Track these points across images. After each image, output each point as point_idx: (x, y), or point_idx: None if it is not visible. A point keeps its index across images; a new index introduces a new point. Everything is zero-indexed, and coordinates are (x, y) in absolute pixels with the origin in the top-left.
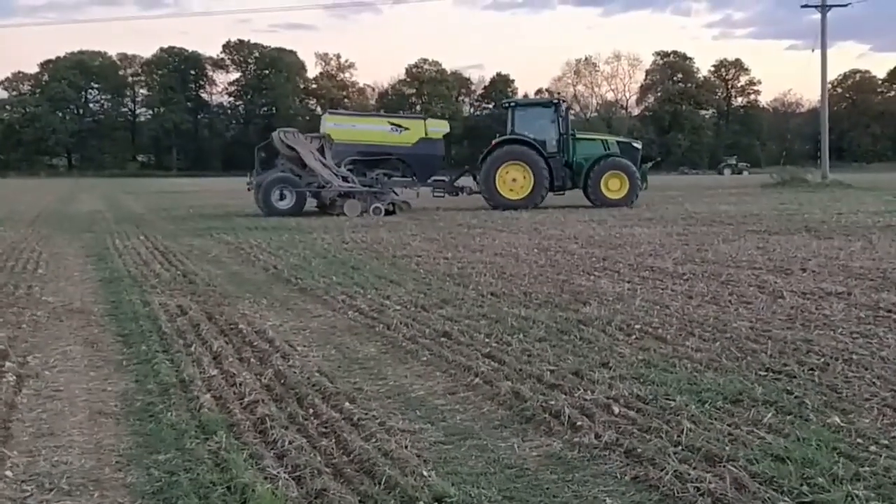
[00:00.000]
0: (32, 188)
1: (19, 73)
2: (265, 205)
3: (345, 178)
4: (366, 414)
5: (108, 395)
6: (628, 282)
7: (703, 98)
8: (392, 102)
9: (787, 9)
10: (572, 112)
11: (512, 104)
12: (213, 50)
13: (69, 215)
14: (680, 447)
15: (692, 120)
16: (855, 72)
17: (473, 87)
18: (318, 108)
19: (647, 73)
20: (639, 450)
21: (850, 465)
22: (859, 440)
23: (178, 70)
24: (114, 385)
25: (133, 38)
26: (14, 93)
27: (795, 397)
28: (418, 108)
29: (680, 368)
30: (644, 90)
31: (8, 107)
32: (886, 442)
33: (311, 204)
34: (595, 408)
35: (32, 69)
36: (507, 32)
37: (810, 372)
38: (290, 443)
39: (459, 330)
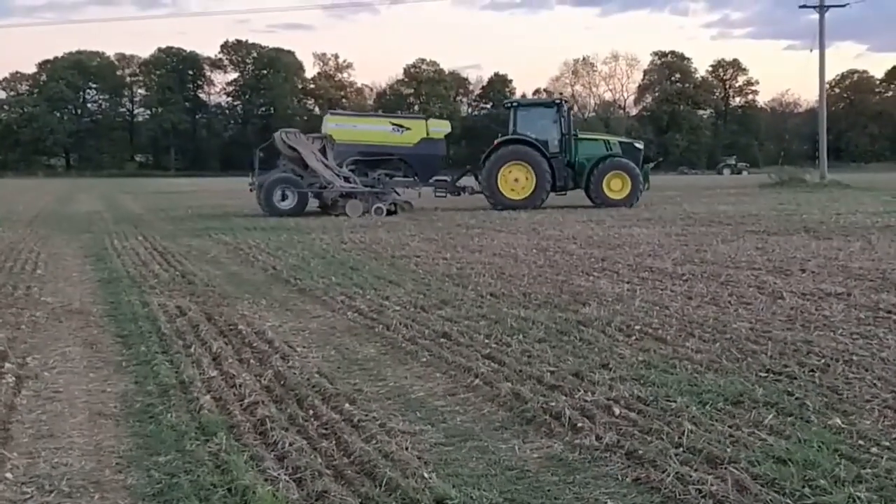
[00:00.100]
0: (30, 188)
1: (17, 73)
2: (267, 205)
3: (346, 179)
4: (366, 415)
5: (107, 396)
6: (627, 282)
7: (700, 98)
8: (390, 102)
9: (785, 9)
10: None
11: (514, 104)
12: (211, 50)
13: (67, 215)
14: (681, 449)
15: (690, 120)
16: (853, 72)
17: (471, 87)
18: (317, 109)
19: (645, 73)
20: (640, 451)
21: (851, 466)
22: (861, 442)
23: (177, 70)
24: (113, 386)
25: (131, 38)
26: (12, 93)
27: (796, 399)
28: (416, 108)
29: (680, 369)
30: (642, 90)
31: (6, 107)
32: (888, 443)
33: (312, 204)
34: (596, 409)
35: (30, 69)
36: (505, 32)
37: (811, 373)
38: (290, 444)
39: (459, 331)
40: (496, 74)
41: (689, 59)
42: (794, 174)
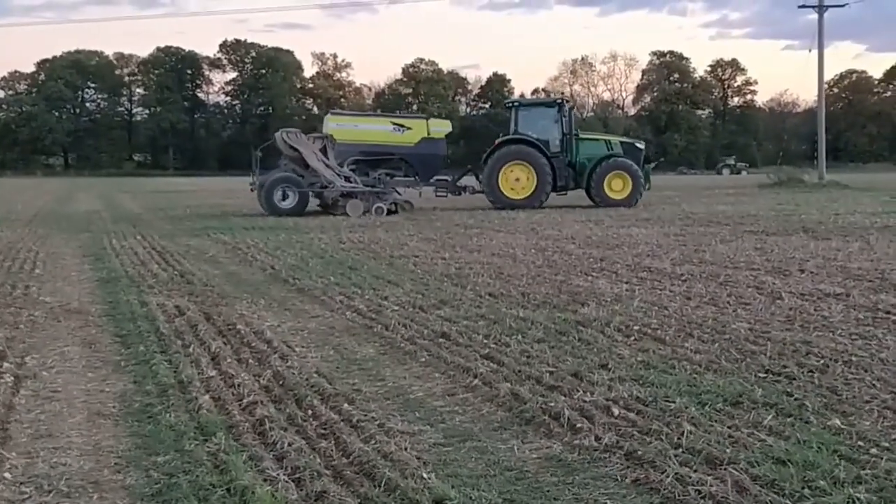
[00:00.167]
0: (29, 187)
1: (16, 72)
2: (267, 204)
3: (347, 178)
4: (365, 415)
5: (106, 396)
6: (626, 282)
7: (699, 98)
8: (389, 102)
9: (784, 9)
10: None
11: (515, 104)
12: (209, 49)
13: (66, 215)
14: (680, 449)
15: (688, 120)
16: (851, 72)
17: (470, 87)
18: (315, 108)
19: (644, 72)
20: (639, 452)
21: (851, 467)
22: (860, 443)
23: (175, 69)
24: (112, 386)
25: (129, 37)
26: (10, 92)
27: (795, 399)
28: (415, 107)
29: (679, 370)
30: (640, 90)
31: (4, 106)
32: (887, 444)
33: (313, 204)
34: (595, 409)
35: (29, 68)
36: (504, 32)
37: (810, 374)
38: (289, 444)
39: (458, 331)
40: (495, 74)
41: (687, 59)
42: (793, 174)
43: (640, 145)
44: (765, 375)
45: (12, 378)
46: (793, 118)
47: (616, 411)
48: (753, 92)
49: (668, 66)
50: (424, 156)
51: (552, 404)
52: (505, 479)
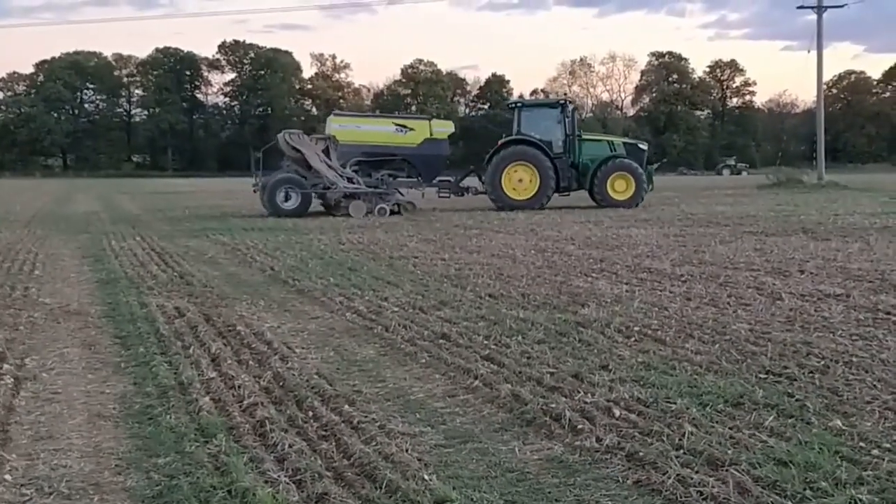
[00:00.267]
0: (28, 188)
1: (14, 73)
2: (270, 205)
3: (350, 179)
4: (365, 417)
5: (106, 397)
6: (626, 283)
7: (698, 99)
8: (387, 103)
9: (783, 9)
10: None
11: (518, 104)
12: (208, 50)
13: (65, 216)
14: (682, 451)
15: (687, 120)
16: (850, 73)
17: (469, 88)
18: (314, 109)
19: (643, 73)
20: (640, 453)
21: (852, 468)
22: (861, 444)
23: (174, 70)
24: (112, 387)
25: (128, 38)
26: (9, 93)
27: (796, 400)
28: (414, 108)
29: (680, 371)
30: (639, 91)
31: (3, 107)
32: (889, 445)
33: (316, 205)
34: (596, 411)
35: (27, 69)
36: (503, 33)
37: (811, 375)
38: (290, 446)
39: (458, 332)
40: (494, 75)
41: (686, 59)
42: (792, 175)
43: (643, 146)
44: (765, 376)
45: (12, 380)
46: (791, 119)
47: (617, 412)
48: (752, 93)
49: (667, 67)
50: (427, 157)
51: (553, 405)
52: (506, 480)
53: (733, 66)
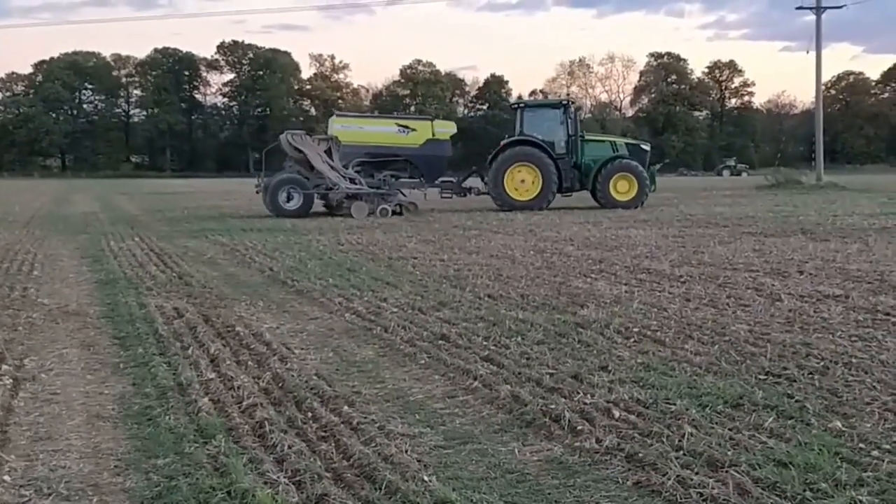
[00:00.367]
0: (26, 189)
1: (13, 73)
2: (272, 205)
3: (352, 180)
4: (365, 418)
5: (105, 398)
6: (625, 284)
7: (696, 99)
8: (386, 103)
9: (781, 10)
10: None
11: (521, 105)
12: (207, 51)
13: (64, 216)
14: (681, 452)
15: (686, 121)
16: (848, 73)
17: (468, 89)
18: (313, 109)
19: (641, 74)
20: (640, 454)
21: (852, 470)
22: (861, 445)
23: (172, 71)
24: (111, 388)
25: (127, 38)
26: (8, 93)
27: (796, 401)
28: (412, 109)
29: (679, 372)
30: (638, 91)
31: (1, 107)
32: (888, 446)
33: (318, 205)
34: (595, 412)
35: (26, 70)
36: (502, 34)
37: (810, 376)
38: (289, 447)
39: (457, 333)
40: (492, 76)
41: (684, 60)
42: (791, 176)
43: (646, 146)
44: (765, 377)
45: (11, 380)
46: (790, 120)
47: (617, 413)
48: (751, 93)
49: (666, 68)
50: (429, 157)
51: (552, 406)
52: (506, 481)
53: (732, 67)
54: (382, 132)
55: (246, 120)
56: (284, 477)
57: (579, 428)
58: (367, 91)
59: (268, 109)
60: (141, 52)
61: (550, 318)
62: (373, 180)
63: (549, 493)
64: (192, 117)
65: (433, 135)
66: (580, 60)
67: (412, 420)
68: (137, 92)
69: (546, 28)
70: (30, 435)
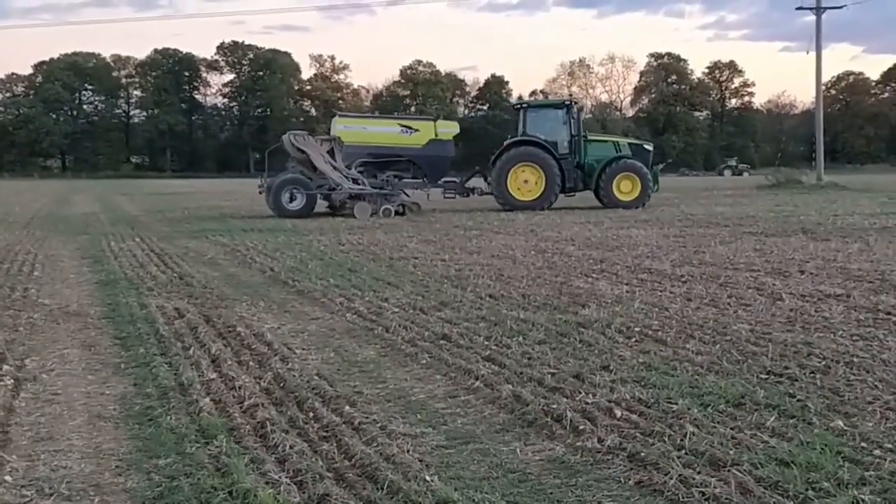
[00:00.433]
0: (26, 190)
1: (13, 74)
2: (275, 206)
3: (355, 181)
4: (366, 418)
5: (106, 398)
6: (626, 284)
7: (697, 100)
8: (386, 104)
9: (781, 10)
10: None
11: (524, 105)
12: (207, 51)
13: (64, 217)
14: (683, 451)
15: (686, 121)
16: (848, 73)
17: (468, 89)
18: (313, 110)
19: (641, 74)
20: (642, 454)
21: (855, 469)
22: (863, 444)
23: (172, 71)
24: (112, 388)
25: (127, 39)
26: (8, 94)
27: (798, 401)
28: (413, 109)
29: (681, 371)
30: (638, 92)
31: (1, 108)
32: (890, 446)
33: (321, 206)
34: (597, 411)
35: (26, 70)
36: (502, 34)
37: (812, 375)
38: (290, 447)
39: (459, 333)
40: (493, 76)
41: (685, 60)
42: (791, 176)
43: (649, 147)
44: (767, 377)
45: (12, 381)
46: (790, 120)
47: (618, 413)
48: (751, 94)
49: (666, 68)
50: (432, 157)
51: (554, 406)
52: (508, 481)
53: (732, 67)
54: (385, 132)
55: (246, 120)
56: (286, 477)
57: (581, 427)
58: (368, 91)
59: (268, 110)
60: (141, 52)
61: (552, 317)
62: (376, 181)
63: (551, 493)
64: (193, 118)
65: (436, 135)
66: (580, 61)
67: (414, 420)
68: (137, 93)
69: (546, 28)
70: (31, 435)
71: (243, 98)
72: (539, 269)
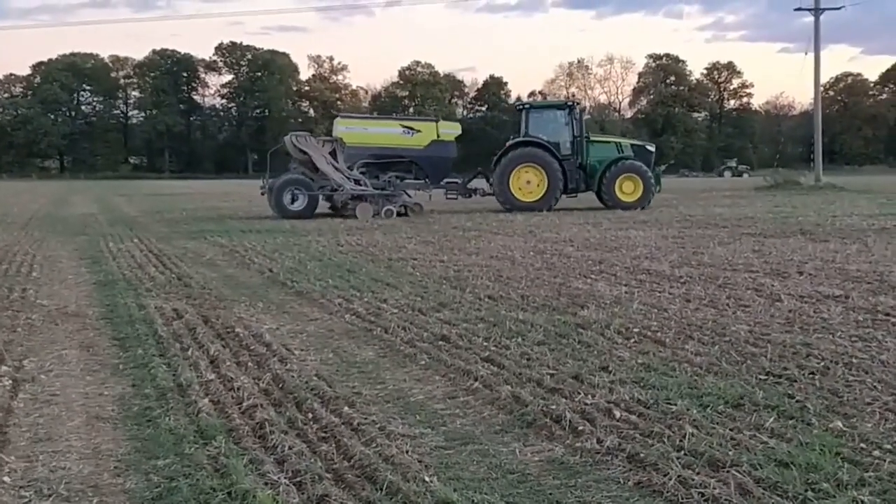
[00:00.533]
0: (24, 191)
1: (11, 75)
2: (277, 207)
3: (357, 181)
4: (365, 418)
5: (105, 399)
6: (625, 285)
7: (695, 101)
8: (385, 105)
9: (780, 12)
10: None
11: (526, 106)
12: (205, 52)
13: (62, 218)
14: (683, 452)
15: (685, 122)
16: (847, 75)
17: (466, 90)
18: (311, 111)
19: (640, 75)
20: (641, 455)
21: (854, 470)
22: (862, 445)
23: (171, 72)
24: (110, 389)
25: (125, 40)
26: (6, 95)
27: (797, 401)
28: (411, 110)
29: (680, 372)
30: (637, 93)
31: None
32: (890, 447)
33: (323, 207)
34: (596, 412)
35: (24, 71)
36: (500, 35)
37: (811, 376)
38: (289, 448)
39: (457, 333)
40: (491, 77)
41: (683, 61)
42: (790, 177)
43: (651, 148)
44: (765, 378)
45: (11, 382)
46: (789, 121)
47: (618, 414)
48: (749, 95)
49: (665, 69)
50: (434, 158)
51: (553, 407)
52: (507, 482)
53: (731, 68)
54: (387, 133)
55: (244, 121)
56: (285, 478)
57: (580, 428)
58: (366, 92)
59: (266, 111)
60: (139, 53)
61: (551, 318)
62: (378, 181)
63: (550, 494)
64: (191, 119)
65: (438, 136)
66: (579, 62)
67: (413, 421)
68: (136, 93)
69: (545, 29)
70: (29, 436)
71: (241, 99)
72: (538, 270)
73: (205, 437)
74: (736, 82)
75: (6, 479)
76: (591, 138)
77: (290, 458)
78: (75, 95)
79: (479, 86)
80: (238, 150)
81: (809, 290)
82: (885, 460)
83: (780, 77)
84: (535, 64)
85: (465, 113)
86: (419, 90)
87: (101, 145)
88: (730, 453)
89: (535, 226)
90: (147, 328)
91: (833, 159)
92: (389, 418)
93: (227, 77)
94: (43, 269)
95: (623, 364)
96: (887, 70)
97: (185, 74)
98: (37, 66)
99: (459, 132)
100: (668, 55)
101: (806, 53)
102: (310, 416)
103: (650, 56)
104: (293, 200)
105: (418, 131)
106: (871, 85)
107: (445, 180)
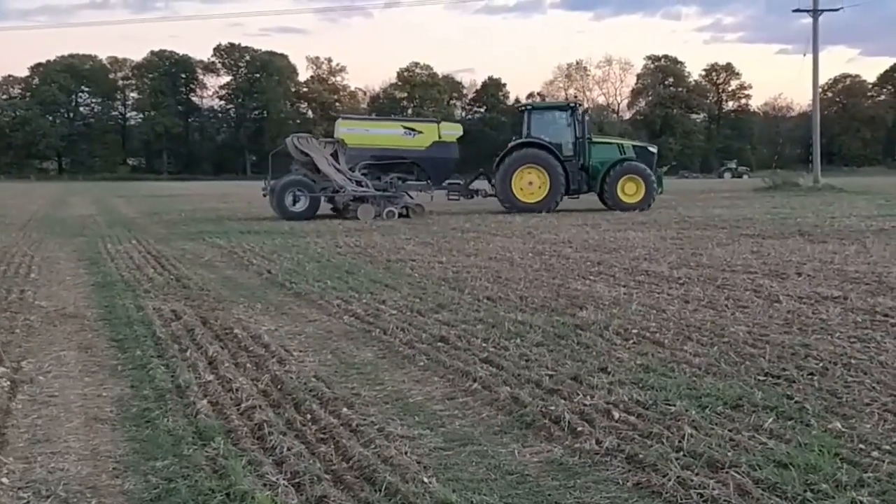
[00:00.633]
0: (23, 192)
1: (9, 76)
2: (279, 208)
3: (359, 183)
4: (364, 420)
5: (103, 400)
6: (624, 286)
7: (694, 102)
8: (383, 106)
9: (778, 13)
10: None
11: (528, 107)
12: (203, 54)
13: (61, 219)
14: (682, 453)
15: (683, 124)
16: (845, 76)
17: (465, 91)
18: (310, 112)
19: (639, 77)
20: (640, 456)
21: (853, 470)
22: (861, 446)
23: (169, 74)
24: (109, 390)
25: (123, 41)
26: (4, 96)
27: (796, 402)
28: (410, 111)
29: (679, 373)
30: (635, 94)
31: None
32: (889, 447)
33: (325, 208)
34: (595, 413)
35: (23, 73)
36: (499, 36)
37: (809, 377)
38: (288, 449)
39: (456, 335)
40: (490, 78)
41: (682, 63)
42: (788, 178)
43: (653, 149)
44: (764, 378)
45: (9, 383)
46: (787, 122)
47: (616, 415)
48: (748, 96)
49: (663, 71)
50: (436, 159)
51: (552, 408)
52: (506, 483)
53: (729, 70)
54: (389, 135)
55: (243, 123)
56: (284, 479)
57: (579, 429)
58: (365, 94)
59: (265, 112)
60: (137, 54)
61: (549, 319)
62: (380, 183)
63: (549, 495)
64: (189, 120)
65: (440, 137)
66: (577, 63)
67: (412, 422)
68: (134, 95)
69: (543, 31)
70: (28, 437)
71: (240, 100)
72: (537, 271)
73: (203, 438)
74: (734, 84)
75: (4, 480)
76: (594, 139)
77: (289, 459)
78: (74, 97)
79: (478, 87)
80: (236, 151)
81: (808, 291)
82: (883, 461)
83: (779, 78)
84: (534, 65)
85: (463, 114)
86: (418, 91)
87: (99, 147)
88: (729, 454)
89: (533, 227)
90: (145, 329)
91: (831, 160)
92: (388, 419)
93: (226, 78)
94: (41, 271)
95: (622, 365)
96: (885, 71)
97: (183, 76)
98: (35, 68)
99: (461, 133)
100: (666, 56)
101: (804, 55)
102: (308, 417)
103: (648, 57)
104: (295, 202)
105: (420, 132)
106: (870, 86)
107: (447, 181)
